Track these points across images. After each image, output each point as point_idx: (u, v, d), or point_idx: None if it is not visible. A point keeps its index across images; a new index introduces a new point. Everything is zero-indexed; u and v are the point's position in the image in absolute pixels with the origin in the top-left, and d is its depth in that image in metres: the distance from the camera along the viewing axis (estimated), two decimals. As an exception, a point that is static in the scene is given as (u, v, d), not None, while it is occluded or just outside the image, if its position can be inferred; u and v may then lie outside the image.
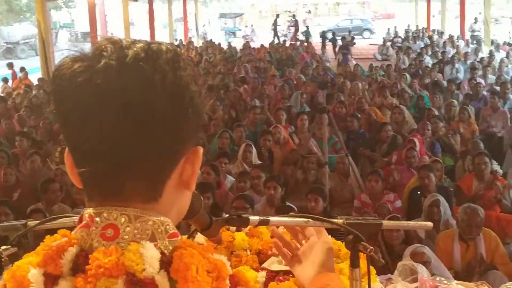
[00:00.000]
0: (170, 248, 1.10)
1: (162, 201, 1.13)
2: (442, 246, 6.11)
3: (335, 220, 1.75)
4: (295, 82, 15.42)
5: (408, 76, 15.92)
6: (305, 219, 1.72)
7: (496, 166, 8.83)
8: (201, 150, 1.18)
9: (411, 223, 2.00)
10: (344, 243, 1.78)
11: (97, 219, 1.09)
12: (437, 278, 2.35)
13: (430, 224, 1.97)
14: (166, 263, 1.07)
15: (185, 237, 1.52)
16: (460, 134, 10.65)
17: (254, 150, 9.01)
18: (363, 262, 1.81)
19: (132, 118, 1.04)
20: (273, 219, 1.72)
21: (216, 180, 7.85)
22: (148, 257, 1.05)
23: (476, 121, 11.59)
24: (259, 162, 8.96)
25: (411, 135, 9.63)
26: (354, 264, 1.78)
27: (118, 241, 1.08)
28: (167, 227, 1.12)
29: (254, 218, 1.70)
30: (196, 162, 1.16)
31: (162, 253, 1.08)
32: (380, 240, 6.29)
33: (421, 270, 2.44)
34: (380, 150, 9.90)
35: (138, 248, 1.06)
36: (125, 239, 1.08)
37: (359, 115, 11.14)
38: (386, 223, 1.83)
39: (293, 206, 7.10)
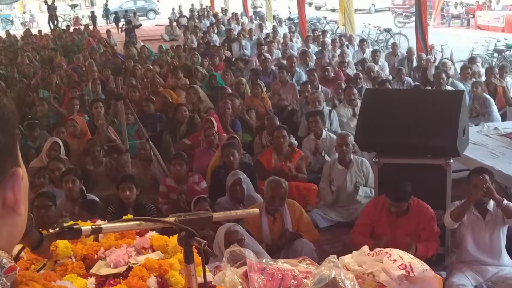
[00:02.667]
0: (8, 284, 0.97)
1: None
2: (250, 221, 6.23)
3: (167, 219, 1.68)
4: (84, 69, 14.92)
5: (198, 55, 16.07)
6: (138, 222, 1.62)
7: (292, 139, 9.20)
8: (19, 171, 1.04)
9: (239, 212, 1.99)
10: (177, 239, 1.71)
11: None
12: (264, 260, 2.36)
13: (256, 210, 1.96)
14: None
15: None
16: (255, 110, 10.95)
17: (62, 149, 8.59)
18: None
19: None
20: (106, 226, 1.61)
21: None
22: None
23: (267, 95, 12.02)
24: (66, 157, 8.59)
25: (208, 114, 9.73)
26: (189, 259, 1.73)
27: None
28: (3, 262, 0.98)
29: (86, 228, 1.57)
30: (16, 187, 1.02)
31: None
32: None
33: (249, 254, 2.45)
34: (179, 131, 9.89)
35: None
36: None
37: (154, 98, 11.05)
38: (216, 215, 1.79)
39: (96, 198, 6.91)
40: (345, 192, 7.55)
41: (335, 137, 8.28)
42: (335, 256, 2.37)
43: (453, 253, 6.00)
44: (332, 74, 12.89)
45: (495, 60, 16.91)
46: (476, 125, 9.31)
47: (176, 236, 2.26)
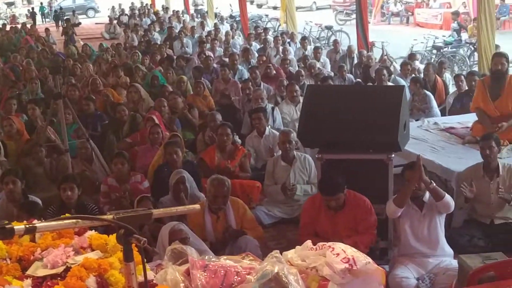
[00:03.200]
0: None
1: None
2: (193, 219, 6.16)
3: (105, 217, 1.62)
4: (21, 68, 14.57)
5: (139, 53, 15.89)
6: (74, 220, 1.56)
7: (235, 136, 9.18)
8: None
9: (180, 208, 1.94)
10: (116, 237, 1.65)
11: None
12: (206, 257, 2.31)
13: (197, 206, 1.92)
14: None
15: None
16: (197, 108, 10.88)
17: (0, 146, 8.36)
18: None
19: None
20: (41, 225, 1.54)
21: None
22: None
23: (210, 93, 11.97)
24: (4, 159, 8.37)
25: (149, 112, 9.61)
26: (128, 257, 1.67)
27: None
28: None
29: (19, 227, 1.50)
30: None
31: None
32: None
33: (191, 251, 2.40)
34: (122, 131, 9.74)
35: None
36: None
37: (94, 97, 10.88)
38: (156, 212, 1.74)
39: (38, 200, 6.75)
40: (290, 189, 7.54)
41: (278, 134, 8.27)
42: (278, 251, 2.35)
43: (395, 247, 6.06)
44: (274, 72, 12.92)
45: (434, 56, 17.22)
46: (416, 120, 9.46)
47: (115, 234, 2.21)
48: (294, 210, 7.48)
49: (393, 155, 6.02)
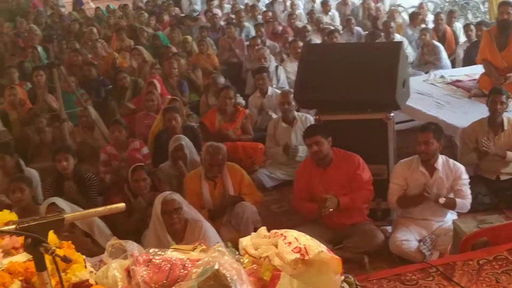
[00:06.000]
0: None
1: None
2: (190, 187, 6.08)
3: (6, 228, 1.49)
4: (26, 34, 14.39)
5: (146, 14, 15.63)
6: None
7: (239, 98, 9.03)
8: None
9: (99, 209, 1.79)
10: (24, 247, 1.53)
11: None
12: (151, 250, 2.19)
13: (122, 205, 1.78)
14: None
15: None
16: (202, 68, 10.71)
17: None
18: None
19: None
20: None
21: None
22: None
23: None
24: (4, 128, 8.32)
25: (150, 76, 9.42)
26: (40, 267, 1.55)
27: None
28: None
29: None
30: None
31: None
32: (127, 191, 6.15)
33: (131, 246, 2.27)
34: (125, 97, 9.62)
35: None
36: None
37: (95, 62, 10.73)
38: (68, 216, 1.60)
39: (33, 171, 6.69)
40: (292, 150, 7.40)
41: (281, 93, 8.09)
42: (222, 244, 2.21)
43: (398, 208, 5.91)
44: (281, 28, 12.65)
45: (446, 4, 16.74)
46: (426, 73, 9.21)
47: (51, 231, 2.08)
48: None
49: (392, 114, 5.85)
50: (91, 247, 5.16)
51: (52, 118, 8.50)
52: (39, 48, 11.85)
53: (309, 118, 7.36)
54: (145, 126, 8.16)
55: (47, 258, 1.57)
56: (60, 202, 5.26)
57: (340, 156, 5.69)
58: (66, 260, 1.51)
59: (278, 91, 8.53)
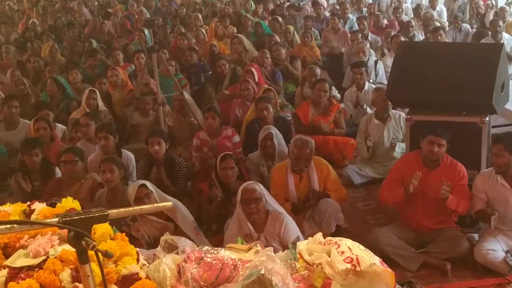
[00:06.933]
0: None
1: None
2: (276, 179, 6.08)
3: (49, 221, 1.53)
4: (136, 17, 14.82)
5: (252, 2, 15.72)
6: (8, 226, 1.47)
7: (334, 91, 8.95)
8: None
9: (146, 207, 1.81)
10: (67, 239, 1.57)
11: None
12: (204, 248, 2.20)
13: (169, 204, 1.80)
14: None
15: None
16: (304, 59, 10.69)
17: (98, 95, 8.58)
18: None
19: None
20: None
21: (50, 133, 7.44)
22: None
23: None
24: (105, 108, 8.60)
25: (248, 65, 9.46)
26: (83, 260, 1.59)
27: None
28: None
29: None
30: None
31: None
32: (215, 179, 6.22)
33: (184, 243, 2.29)
34: (223, 83, 9.73)
35: None
36: None
37: (197, 48, 10.90)
38: (113, 212, 1.63)
39: (129, 154, 6.89)
40: (382, 147, 7.27)
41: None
42: (271, 249, 2.19)
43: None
44: (386, 22, 12.43)
45: None
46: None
47: (106, 223, 2.13)
48: (387, 170, 7.13)
49: (487, 118, 5.64)
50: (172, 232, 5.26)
51: (151, 101, 8.72)
52: (146, 31, 12.12)
53: (403, 116, 7.20)
54: (239, 114, 8.23)
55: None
56: (149, 185, 5.36)
57: (447, 162, 5.54)
58: (107, 255, 1.55)
59: (375, 86, 8.39)
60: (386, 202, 5.91)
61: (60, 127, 7.95)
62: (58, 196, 4.92)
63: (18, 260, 2.24)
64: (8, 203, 2.69)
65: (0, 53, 12.45)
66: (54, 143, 7.36)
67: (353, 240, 2.57)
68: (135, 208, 1.79)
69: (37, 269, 2.14)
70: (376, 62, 9.66)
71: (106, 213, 1.58)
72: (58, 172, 6.48)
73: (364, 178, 7.23)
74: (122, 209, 1.63)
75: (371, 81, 9.01)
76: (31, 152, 6.52)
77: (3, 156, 7.45)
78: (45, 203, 2.80)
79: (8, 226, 1.46)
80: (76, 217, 1.53)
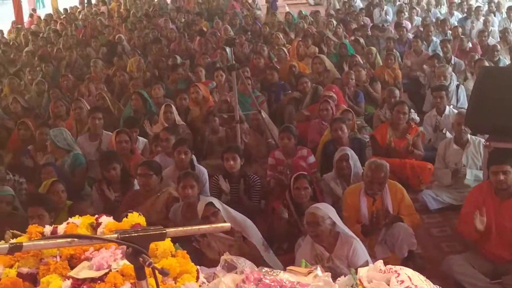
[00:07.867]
0: None
1: None
2: (349, 200, 6.06)
3: (108, 236, 1.60)
4: (219, 35, 15.07)
5: (334, 22, 15.72)
6: (69, 240, 1.55)
7: (414, 114, 8.85)
8: None
9: (204, 227, 1.86)
10: (125, 255, 1.63)
11: None
12: (264, 270, 2.22)
13: (227, 225, 1.84)
14: None
15: None
16: (384, 81, 10.62)
17: (174, 110, 8.79)
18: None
19: None
20: (28, 244, 1.55)
21: (131, 147, 7.67)
22: None
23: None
24: (183, 123, 8.78)
25: (327, 87, 9.44)
26: (140, 276, 1.65)
27: None
28: None
29: (3, 246, 1.51)
30: None
31: None
32: (288, 199, 6.24)
33: (243, 263, 2.32)
34: (303, 103, 9.77)
35: None
36: None
37: (278, 67, 10.99)
38: (171, 231, 1.68)
39: (202, 169, 7.01)
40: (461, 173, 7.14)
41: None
42: (329, 274, 2.19)
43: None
44: (470, 45, 12.19)
45: None
46: None
47: (168, 239, 2.19)
48: (463, 197, 7.01)
49: None
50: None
51: (229, 118, 8.85)
52: (227, 49, 12.30)
53: (483, 142, 7.06)
54: (316, 135, 8.25)
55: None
56: (216, 202, 5.44)
57: None
58: (163, 272, 1.60)
59: (456, 111, 8.25)
60: (462, 235, 5.82)
61: (141, 140, 8.18)
62: (134, 208, 5.09)
63: (82, 272, 2.32)
64: (77, 215, 2.79)
65: (89, 67, 12.90)
66: (134, 156, 7.58)
67: (426, 266, 2.53)
68: (193, 227, 1.83)
69: (99, 282, 2.22)
70: (458, 86, 9.48)
71: (164, 231, 1.63)
72: (137, 185, 6.65)
73: (440, 204, 7.11)
74: (180, 228, 1.68)
75: (452, 105, 8.85)
76: (108, 167, 6.74)
77: (82, 167, 7.69)
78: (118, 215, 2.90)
79: (68, 240, 1.54)
80: (135, 234, 1.60)
